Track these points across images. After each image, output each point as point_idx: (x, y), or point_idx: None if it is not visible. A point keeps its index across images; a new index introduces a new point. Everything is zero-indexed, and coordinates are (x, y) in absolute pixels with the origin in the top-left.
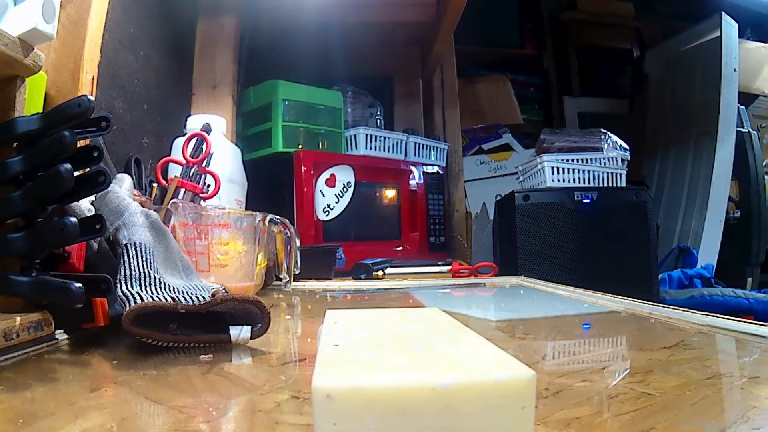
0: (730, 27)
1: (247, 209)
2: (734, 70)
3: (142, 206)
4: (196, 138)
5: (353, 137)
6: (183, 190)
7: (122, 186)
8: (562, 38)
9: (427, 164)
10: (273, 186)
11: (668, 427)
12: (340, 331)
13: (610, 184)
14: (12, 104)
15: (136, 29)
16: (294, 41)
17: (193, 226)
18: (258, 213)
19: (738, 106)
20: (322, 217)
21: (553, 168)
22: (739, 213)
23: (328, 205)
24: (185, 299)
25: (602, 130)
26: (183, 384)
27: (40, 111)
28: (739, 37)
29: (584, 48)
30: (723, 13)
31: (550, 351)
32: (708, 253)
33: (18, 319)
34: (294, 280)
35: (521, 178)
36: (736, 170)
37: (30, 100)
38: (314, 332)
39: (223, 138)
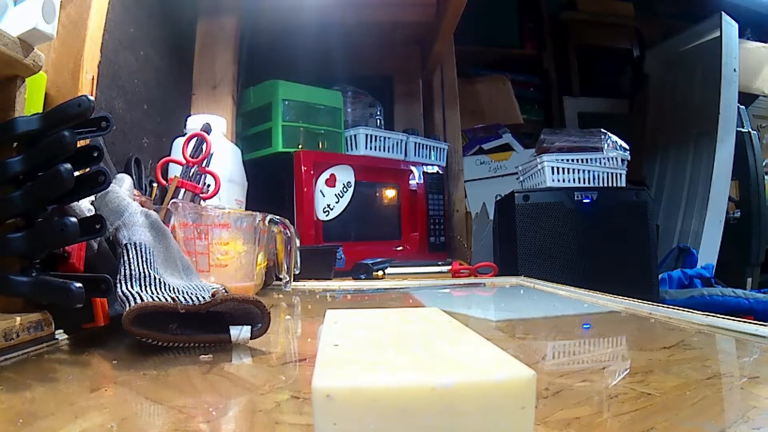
0: (730, 27)
1: (247, 209)
2: (734, 70)
3: (142, 206)
4: (196, 138)
5: (353, 137)
6: (183, 190)
7: (122, 186)
8: (562, 38)
9: (427, 164)
10: (273, 186)
11: (668, 427)
12: (340, 331)
13: (610, 184)
14: (12, 104)
15: (136, 29)
16: (294, 41)
17: (193, 226)
18: (258, 213)
19: (738, 106)
20: (322, 217)
21: (553, 168)
22: (739, 213)
23: (328, 205)
24: (185, 299)
25: (602, 130)
26: (183, 384)
27: (40, 111)
28: (739, 37)
29: (584, 48)
30: (723, 13)
31: (550, 351)
32: (708, 253)
33: (18, 319)
34: (294, 280)
35: (521, 178)
36: (736, 170)
37: (30, 100)
38: (314, 332)
39: (223, 138)
